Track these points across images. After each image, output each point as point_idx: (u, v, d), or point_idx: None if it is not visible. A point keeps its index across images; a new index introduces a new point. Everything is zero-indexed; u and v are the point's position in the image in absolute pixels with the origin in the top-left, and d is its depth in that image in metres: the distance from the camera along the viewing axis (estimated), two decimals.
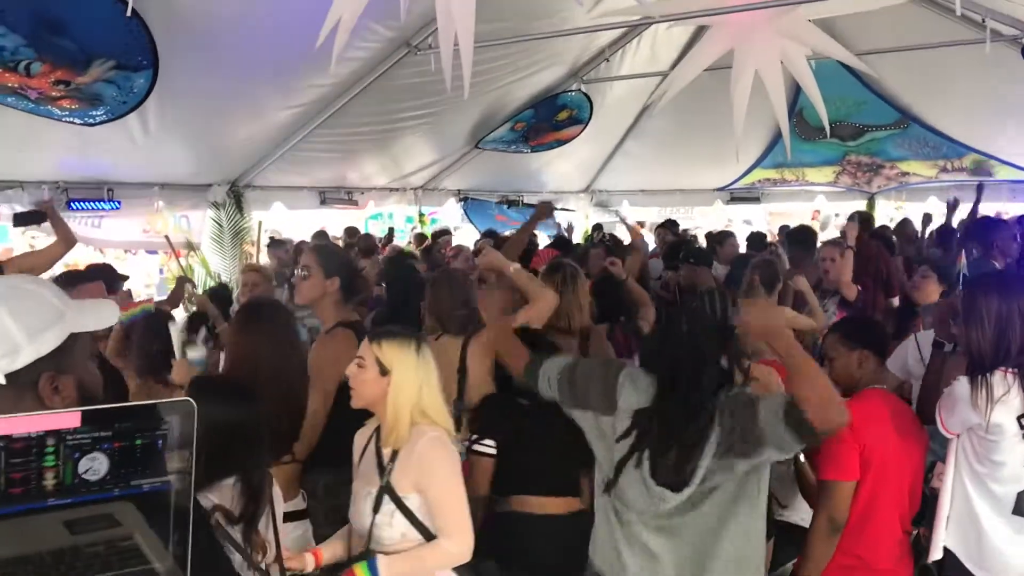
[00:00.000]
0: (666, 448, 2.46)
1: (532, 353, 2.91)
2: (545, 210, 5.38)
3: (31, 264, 5.28)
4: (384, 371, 2.70)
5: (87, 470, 1.21)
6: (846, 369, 3.21)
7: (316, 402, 3.36)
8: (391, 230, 11.92)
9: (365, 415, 2.91)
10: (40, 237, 7.83)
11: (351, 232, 10.32)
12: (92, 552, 1.23)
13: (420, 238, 11.57)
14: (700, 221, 15.29)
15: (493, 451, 3.36)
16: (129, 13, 4.91)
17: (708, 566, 2.51)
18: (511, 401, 3.40)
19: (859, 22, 7.80)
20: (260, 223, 8.98)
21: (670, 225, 11.10)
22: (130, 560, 1.27)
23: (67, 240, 5.66)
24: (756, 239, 9.46)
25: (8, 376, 1.38)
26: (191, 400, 1.29)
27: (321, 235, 9.26)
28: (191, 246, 9.16)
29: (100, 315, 1.57)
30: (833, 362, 3.25)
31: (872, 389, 3.16)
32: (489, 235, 9.25)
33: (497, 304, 3.81)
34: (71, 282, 4.04)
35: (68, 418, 1.17)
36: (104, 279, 4.75)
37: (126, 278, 6.13)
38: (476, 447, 3.39)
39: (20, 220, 6.19)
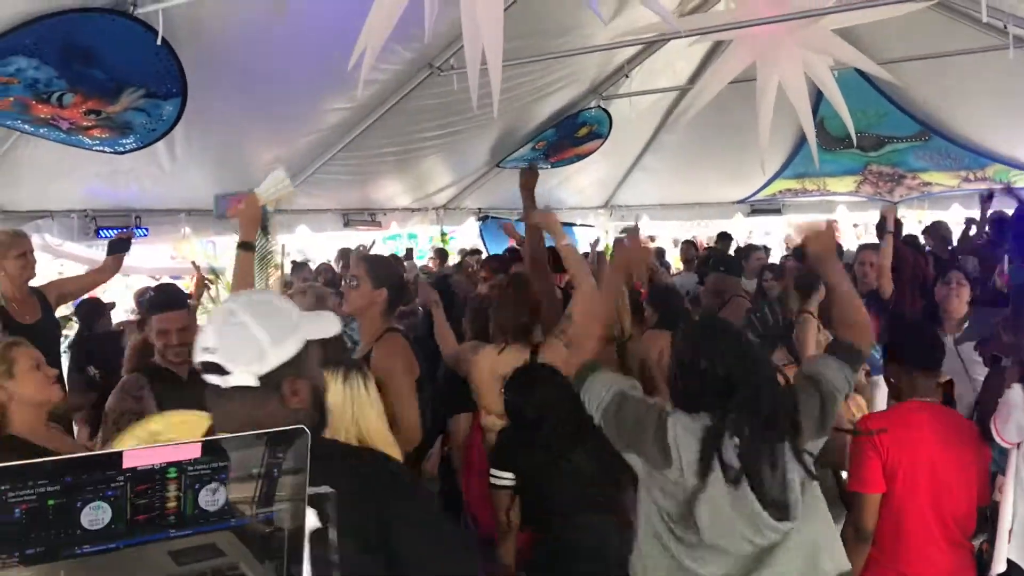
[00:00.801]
0: (760, 477, 2.39)
1: (586, 361, 2.80)
2: (530, 179, 4.98)
3: (70, 288, 5.35)
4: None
5: (208, 500, 1.22)
6: (894, 381, 3.22)
7: (409, 398, 3.44)
8: (409, 250, 11.99)
9: None
10: (67, 265, 7.93)
11: (343, 254, 10.29)
12: None
13: (441, 253, 11.63)
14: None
15: (511, 482, 3.42)
16: (159, 42, 5.01)
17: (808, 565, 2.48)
18: (526, 435, 3.43)
19: (880, 32, 7.80)
20: (283, 246, 9.04)
21: (722, 238, 11.06)
22: None
23: (110, 269, 5.75)
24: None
25: (260, 378, 1.57)
26: (305, 428, 1.31)
27: (344, 254, 9.29)
28: (215, 272, 9.24)
29: (326, 325, 1.73)
30: (887, 374, 3.28)
31: (913, 402, 3.12)
32: (511, 253, 9.25)
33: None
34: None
35: (189, 449, 1.19)
36: None
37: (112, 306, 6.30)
38: (492, 479, 3.46)
39: (115, 248, 6.27)
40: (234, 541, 1.27)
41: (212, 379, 1.59)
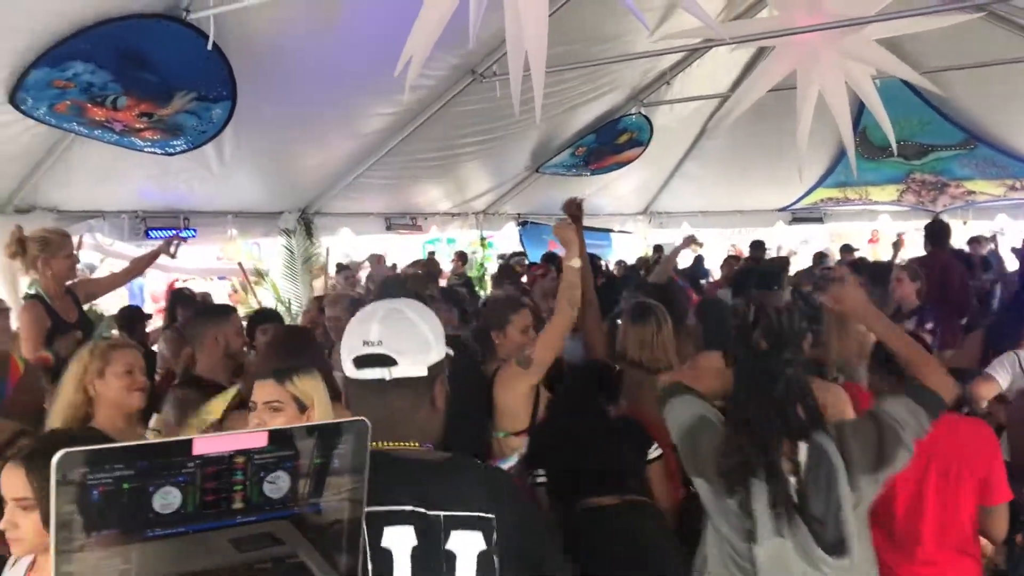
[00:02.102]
0: (811, 511, 2.38)
1: (667, 383, 2.82)
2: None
3: (95, 289, 5.45)
4: (303, 406, 2.61)
5: (272, 488, 1.27)
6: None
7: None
8: (432, 254, 12.15)
9: None
10: (119, 264, 8.11)
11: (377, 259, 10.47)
12: (261, 568, 1.29)
13: (462, 256, 11.75)
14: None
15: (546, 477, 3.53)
16: (210, 47, 5.14)
17: None
18: (559, 432, 3.50)
19: (924, 40, 7.73)
20: (328, 249, 9.17)
21: (754, 248, 10.98)
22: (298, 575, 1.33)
23: (133, 273, 5.87)
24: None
25: (429, 368, 1.66)
26: (365, 420, 1.36)
27: (376, 258, 9.41)
28: (260, 273, 9.40)
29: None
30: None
31: None
32: (549, 259, 9.31)
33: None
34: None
35: (256, 438, 1.24)
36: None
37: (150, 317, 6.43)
38: (531, 479, 3.55)
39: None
40: (292, 530, 1.32)
41: (375, 373, 1.63)
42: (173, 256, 5.76)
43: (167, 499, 1.17)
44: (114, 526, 1.15)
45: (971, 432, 3.08)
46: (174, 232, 6.64)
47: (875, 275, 6.91)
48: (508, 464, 3.49)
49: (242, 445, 1.22)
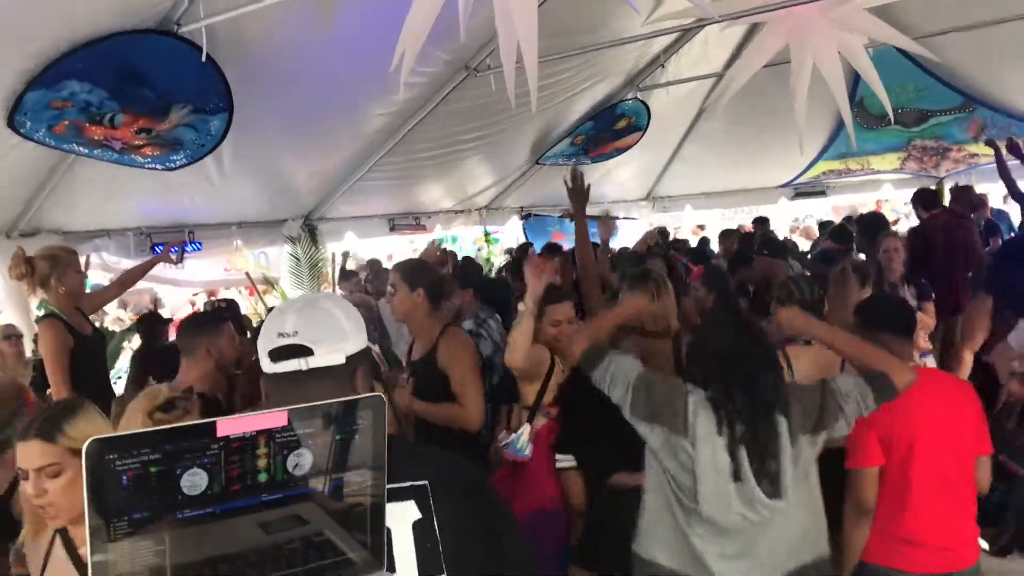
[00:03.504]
0: (762, 457, 2.63)
1: (596, 343, 2.98)
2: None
3: (97, 302, 5.48)
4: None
5: (295, 466, 1.30)
6: None
7: (475, 387, 3.64)
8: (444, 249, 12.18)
9: None
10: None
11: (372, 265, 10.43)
12: (291, 548, 1.33)
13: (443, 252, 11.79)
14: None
15: (574, 462, 3.64)
16: (204, 59, 5.16)
17: (790, 552, 2.73)
18: (585, 418, 3.53)
19: (915, 6, 7.72)
20: (334, 254, 9.20)
21: (758, 224, 11.00)
22: (327, 553, 1.37)
23: (124, 285, 5.89)
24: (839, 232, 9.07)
25: (348, 357, 1.65)
26: (383, 396, 1.39)
27: (373, 263, 9.39)
28: (268, 281, 9.43)
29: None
30: None
31: None
32: (550, 250, 9.32)
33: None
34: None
35: (277, 417, 1.27)
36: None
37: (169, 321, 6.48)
38: (557, 464, 3.66)
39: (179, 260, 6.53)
40: (317, 510, 1.35)
41: (292, 364, 1.61)
42: (176, 263, 5.76)
43: (194, 480, 1.20)
44: (145, 509, 1.18)
45: (959, 387, 3.21)
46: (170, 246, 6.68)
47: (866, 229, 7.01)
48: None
49: (264, 425, 1.25)
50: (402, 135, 7.93)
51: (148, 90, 5.35)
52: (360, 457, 1.37)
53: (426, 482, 1.63)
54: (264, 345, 1.66)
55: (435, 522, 1.61)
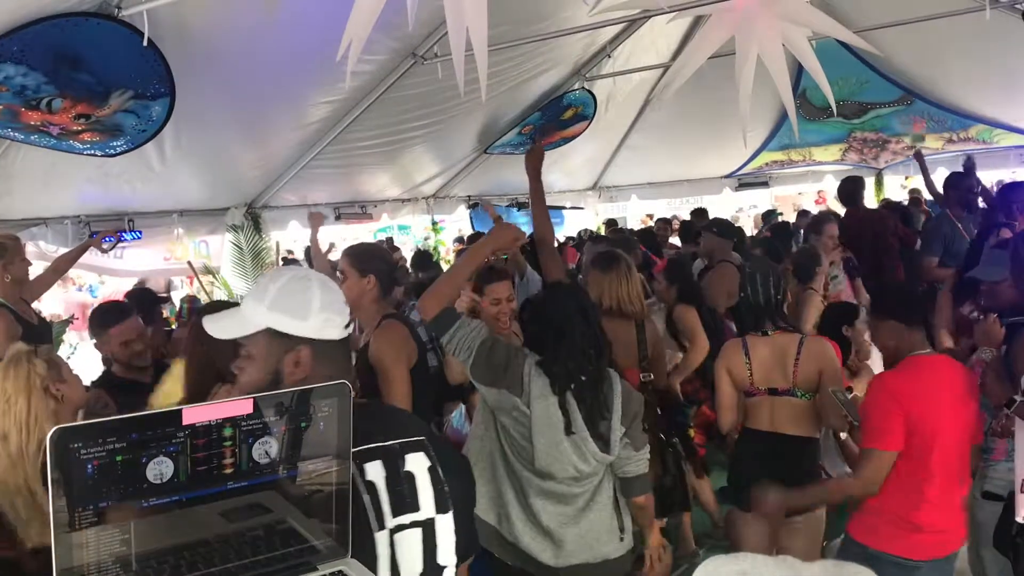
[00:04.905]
0: (591, 416, 2.94)
1: (447, 308, 3.05)
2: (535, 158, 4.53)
3: (37, 289, 5.37)
4: None
5: (261, 454, 1.30)
6: (883, 341, 3.28)
7: (400, 385, 3.50)
8: (390, 239, 12.15)
9: None
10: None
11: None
12: (255, 535, 1.33)
13: (390, 242, 11.85)
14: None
15: None
16: (145, 43, 5.04)
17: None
18: None
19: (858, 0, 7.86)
20: (278, 243, 9.09)
21: (698, 214, 11.11)
22: (290, 540, 1.37)
23: (58, 271, 5.78)
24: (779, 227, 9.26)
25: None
26: (347, 383, 1.39)
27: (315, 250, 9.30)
28: (209, 270, 9.27)
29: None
30: (874, 337, 3.36)
31: (915, 356, 3.13)
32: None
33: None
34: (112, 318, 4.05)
35: (242, 405, 1.27)
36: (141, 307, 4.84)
37: (167, 299, 6.23)
38: None
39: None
40: (280, 498, 1.35)
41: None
42: (106, 252, 5.65)
43: (160, 469, 1.19)
44: (110, 498, 1.17)
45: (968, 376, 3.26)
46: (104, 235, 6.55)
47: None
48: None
49: (229, 413, 1.24)
50: (348, 123, 7.84)
51: (87, 74, 5.20)
52: (325, 445, 1.37)
53: (423, 436, 1.80)
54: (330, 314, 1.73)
55: (439, 468, 1.75)
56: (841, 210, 8.09)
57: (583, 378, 2.95)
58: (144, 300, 5.77)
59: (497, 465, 3.07)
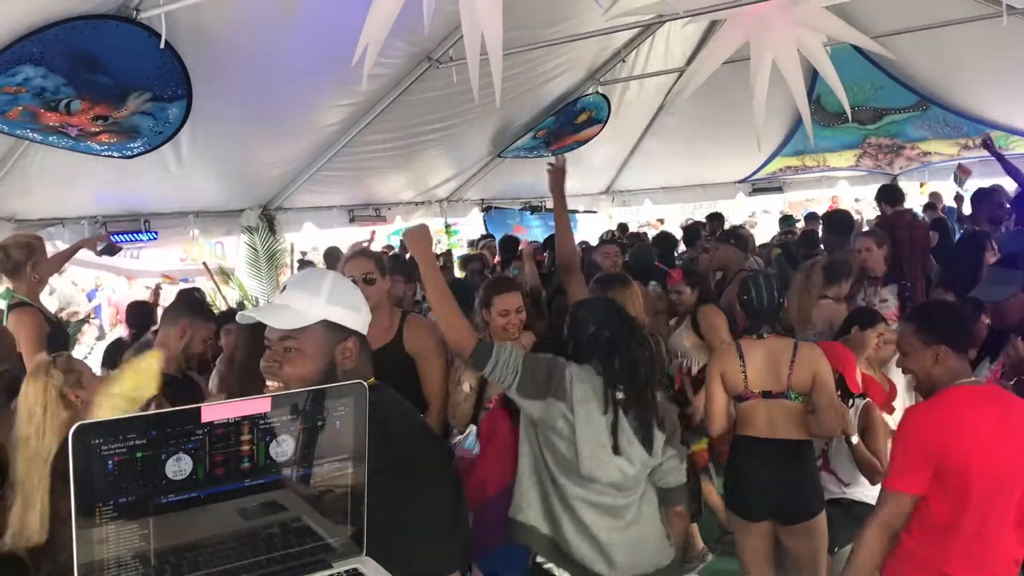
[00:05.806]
0: (643, 425, 2.92)
1: (478, 340, 3.06)
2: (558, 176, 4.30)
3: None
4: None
5: (278, 452, 1.33)
6: (922, 366, 2.81)
7: (443, 370, 3.66)
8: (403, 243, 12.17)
9: None
10: (78, 272, 8.01)
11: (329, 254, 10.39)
12: (270, 533, 1.35)
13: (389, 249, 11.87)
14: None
15: None
16: (163, 46, 5.09)
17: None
18: None
19: (873, 5, 7.84)
20: (292, 245, 9.13)
21: (714, 218, 11.07)
22: (305, 538, 1.39)
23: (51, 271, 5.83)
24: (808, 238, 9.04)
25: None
26: (363, 383, 1.42)
27: (331, 253, 9.33)
28: (224, 271, 9.33)
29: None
30: (907, 356, 2.87)
31: (957, 387, 2.73)
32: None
33: None
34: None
35: (260, 404, 1.29)
36: None
37: None
38: None
39: (105, 251, 6.43)
40: (295, 497, 1.37)
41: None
42: (99, 254, 5.70)
43: (179, 465, 1.22)
44: (130, 493, 1.19)
45: None
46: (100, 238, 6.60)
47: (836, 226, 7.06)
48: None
49: (247, 411, 1.27)
50: (363, 126, 7.89)
51: (105, 76, 5.26)
52: (341, 444, 1.39)
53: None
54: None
55: None
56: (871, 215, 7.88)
57: (632, 383, 2.93)
58: (194, 304, 5.88)
59: (545, 481, 3.05)
